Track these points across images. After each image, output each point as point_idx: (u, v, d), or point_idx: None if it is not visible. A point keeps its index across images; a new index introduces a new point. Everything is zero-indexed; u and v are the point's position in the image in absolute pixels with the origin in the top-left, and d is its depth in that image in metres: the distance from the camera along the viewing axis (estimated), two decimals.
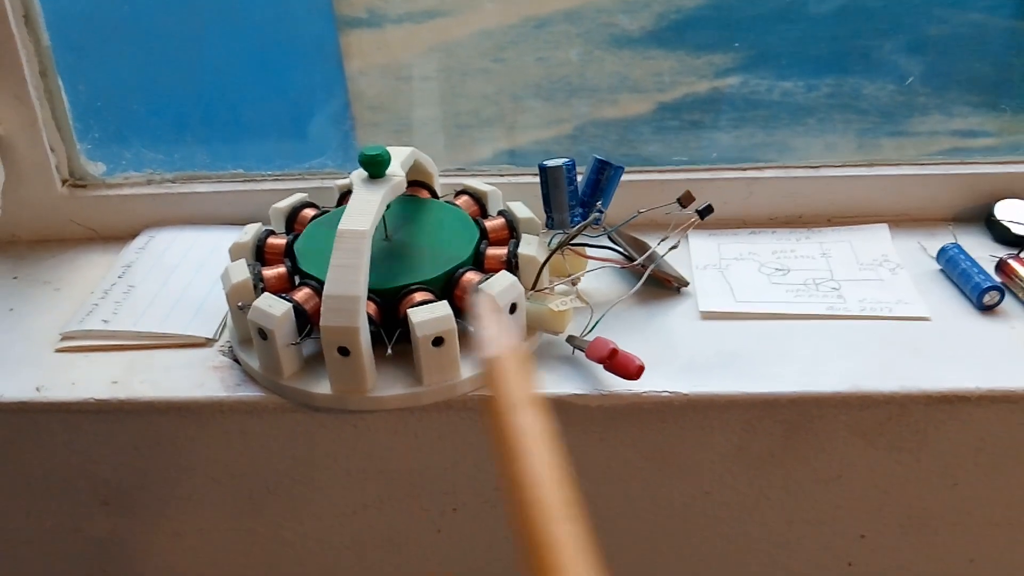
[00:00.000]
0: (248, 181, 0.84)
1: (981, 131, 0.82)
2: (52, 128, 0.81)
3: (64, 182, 0.83)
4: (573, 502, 0.31)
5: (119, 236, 0.84)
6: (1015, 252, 0.73)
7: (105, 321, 0.71)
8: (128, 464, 0.68)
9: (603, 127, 0.84)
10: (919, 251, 0.77)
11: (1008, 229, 0.77)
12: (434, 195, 0.75)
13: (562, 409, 0.62)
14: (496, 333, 0.35)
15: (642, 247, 0.72)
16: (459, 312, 0.62)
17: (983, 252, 0.74)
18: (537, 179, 0.69)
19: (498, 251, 0.67)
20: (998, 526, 0.68)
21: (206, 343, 0.69)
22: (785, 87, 0.81)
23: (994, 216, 0.78)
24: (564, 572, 0.29)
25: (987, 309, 0.69)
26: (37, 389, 0.65)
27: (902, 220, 0.81)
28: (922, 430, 0.63)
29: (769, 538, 0.69)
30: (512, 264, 0.66)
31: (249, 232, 0.70)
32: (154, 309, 0.72)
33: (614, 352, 0.61)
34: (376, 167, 0.64)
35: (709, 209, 0.67)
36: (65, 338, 0.70)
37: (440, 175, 0.76)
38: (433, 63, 0.82)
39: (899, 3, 0.77)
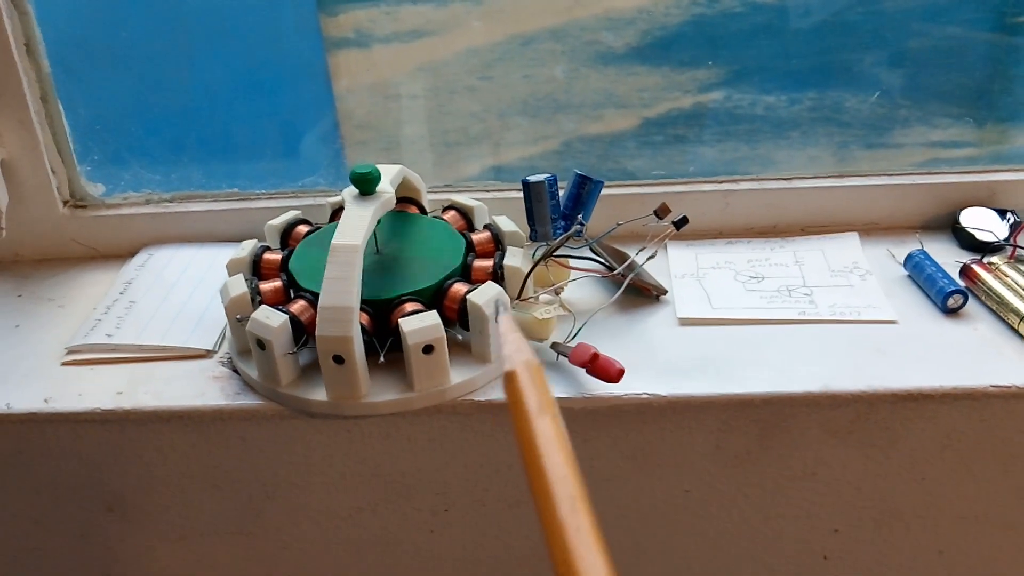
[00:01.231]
0: (243, 200, 0.87)
1: (961, 142, 0.84)
2: (53, 151, 0.84)
3: (65, 203, 0.86)
4: (585, 496, 0.34)
5: (119, 254, 0.86)
6: (978, 257, 0.76)
7: (109, 335, 0.74)
8: (132, 472, 0.70)
9: (589, 143, 0.86)
10: (887, 258, 0.80)
11: (972, 235, 0.79)
12: (422, 211, 0.78)
13: None
14: (515, 349, 0.39)
15: (622, 257, 0.75)
16: (448, 321, 0.65)
17: (948, 258, 0.77)
18: (521, 194, 0.72)
19: (485, 263, 0.70)
20: (965, 519, 0.70)
21: (206, 355, 0.72)
22: (768, 101, 0.83)
23: (959, 223, 0.81)
24: (577, 554, 0.33)
25: (951, 312, 0.72)
26: (45, 400, 0.68)
27: (872, 229, 0.84)
28: (890, 427, 0.66)
29: (747, 533, 0.72)
30: (498, 275, 0.68)
31: (246, 248, 0.72)
32: (155, 323, 0.75)
33: (595, 357, 0.64)
34: (367, 184, 0.67)
35: (684, 220, 0.70)
36: (70, 352, 0.73)
37: (428, 191, 0.79)
38: (420, 82, 0.84)
39: (879, 17, 0.79)
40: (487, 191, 0.85)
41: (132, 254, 0.86)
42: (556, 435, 0.36)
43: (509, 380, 0.37)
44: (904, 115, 0.83)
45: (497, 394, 0.65)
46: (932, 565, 0.73)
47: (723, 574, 0.75)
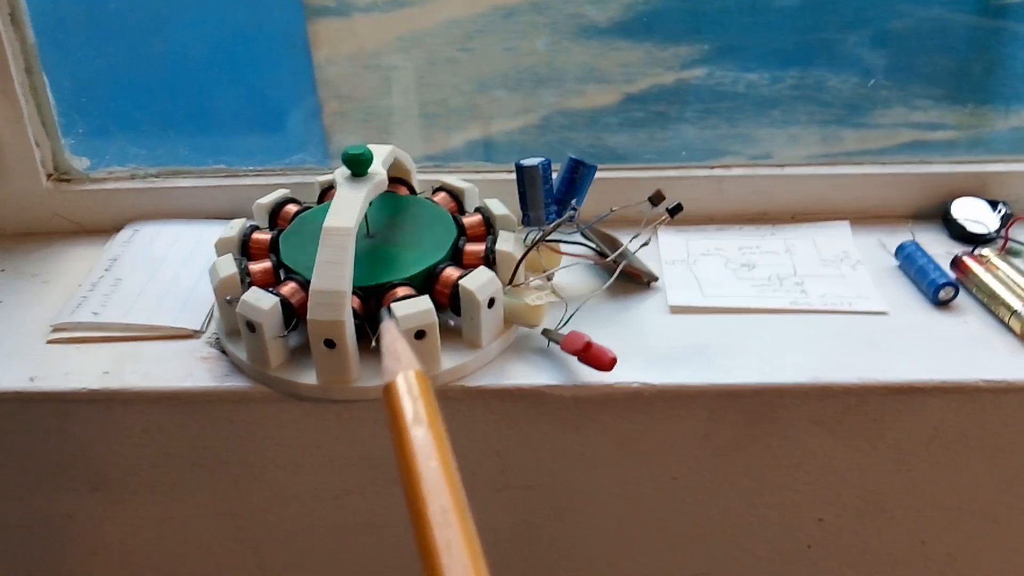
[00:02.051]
0: (230, 176, 0.86)
1: (941, 124, 0.84)
2: (37, 123, 0.82)
3: (49, 176, 0.85)
4: (462, 509, 0.34)
5: (104, 230, 0.85)
6: (970, 249, 0.76)
7: (95, 313, 0.73)
8: (118, 451, 0.70)
9: (570, 117, 0.85)
10: (879, 248, 0.79)
11: (964, 227, 0.79)
12: (412, 191, 0.77)
13: (537, 399, 0.65)
14: (394, 359, 0.38)
15: (614, 243, 0.74)
16: (439, 306, 0.64)
17: (940, 249, 0.77)
18: (512, 176, 0.71)
19: (476, 247, 0.69)
20: (948, 510, 0.71)
21: (193, 335, 0.71)
22: (750, 79, 0.82)
23: (951, 214, 0.81)
24: (446, 569, 0.32)
25: (942, 304, 0.72)
26: (31, 379, 0.67)
27: (863, 217, 0.83)
28: (878, 419, 0.66)
29: (733, 522, 0.72)
30: (490, 260, 0.68)
31: (234, 227, 0.71)
32: (142, 301, 0.74)
33: (588, 345, 0.63)
34: (359, 166, 0.66)
35: (679, 207, 0.70)
36: (56, 330, 0.72)
37: (417, 171, 0.78)
38: (401, 52, 0.83)
39: None
40: (477, 172, 0.84)
41: (117, 229, 0.85)
42: (433, 444, 0.35)
43: (386, 392, 0.37)
44: (885, 96, 0.83)
45: (487, 380, 0.65)
46: (914, 555, 0.74)
47: (708, 561, 0.75)
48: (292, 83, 0.86)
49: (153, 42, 0.84)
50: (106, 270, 0.78)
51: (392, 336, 0.39)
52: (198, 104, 0.87)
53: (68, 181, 0.85)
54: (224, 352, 0.69)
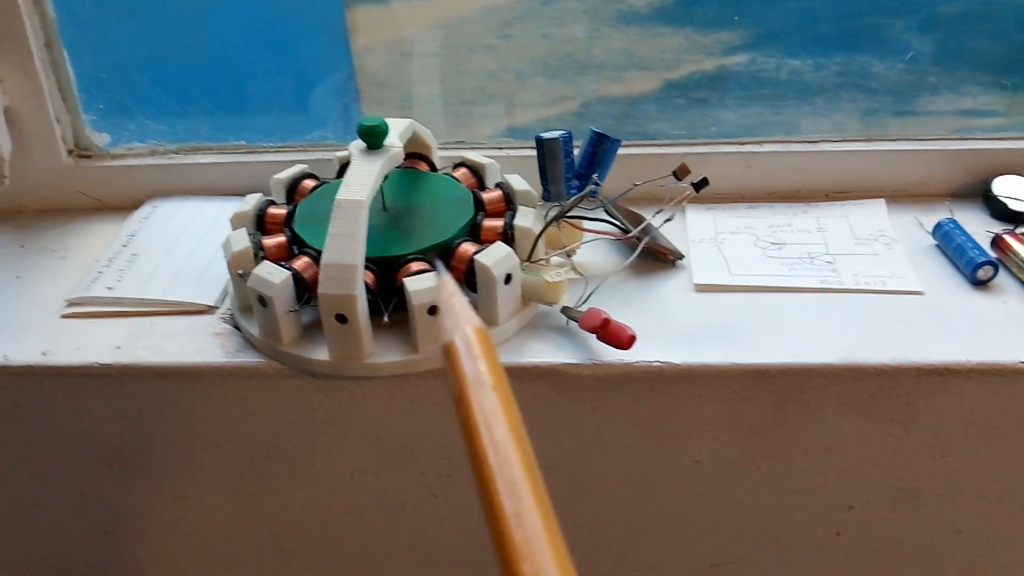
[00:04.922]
0: (250, 152, 0.85)
1: (990, 111, 0.82)
2: (57, 99, 0.82)
3: (69, 152, 0.84)
4: (535, 479, 0.31)
5: (123, 206, 0.85)
6: (1011, 228, 0.73)
7: (110, 288, 0.72)
8: (131, 428, 0.69)
9: (609, 104, 0.84)
10: (915, 226, 0.77)
11: (1005, 205, 0.77)
12: (432, 167, 0.75)
13: (555, 378, 0.63)
14: (452, 317, 0.34)
15: (638, 220, 0.72)
16: (456, 282, 0.63)
17: (980, 228, 0.74)
18: (535, 152, 0.70)
19: (495, 223, 0.67)
20: (985, 498, 0.68)
21: (207, 310, 0.70)
22: (793, 65, 0.81)
23: (991, 192, 0.78)
24: (517, 547, 0.29)
25: (981, 284, 0.69)
26: (43, 353, 0.67)
27: (899, 195, 0.81)
28: (913, 402, 0.64)
29: (758, 508, 0.70)
30: (508, 236, 0.66)
31: (250, 202, 0.70)
32: (157, 277, 0.73)
33: (606, 322, 0.62)
34: (374, 138, 0.65)
35: (704, 182, 0.68)
36: (71, 304, 0.71)
37: (439, 148, 0.77)
38: (438, 39, 0.82)
39: None
40: (500, 148, 0.82)
41: (136, 206, 0.84)
42: (500, 409, 0.31)
43: (445, 353, 0.33)
44: (933, 82, 0.81)
45: (504, 358, 0.64)
46: (949, 544, 0.71)
47: (732, 548, 0.73)
48: (327, 67, 0.85)
49: (178, 18, 0.83)
50: (123, 246, 0.78)
51: (448, 291, 0.36)
52: (224, 84, 0.87)
53: (89, 157, 0.85)
54: (238, 328, 0.68)
